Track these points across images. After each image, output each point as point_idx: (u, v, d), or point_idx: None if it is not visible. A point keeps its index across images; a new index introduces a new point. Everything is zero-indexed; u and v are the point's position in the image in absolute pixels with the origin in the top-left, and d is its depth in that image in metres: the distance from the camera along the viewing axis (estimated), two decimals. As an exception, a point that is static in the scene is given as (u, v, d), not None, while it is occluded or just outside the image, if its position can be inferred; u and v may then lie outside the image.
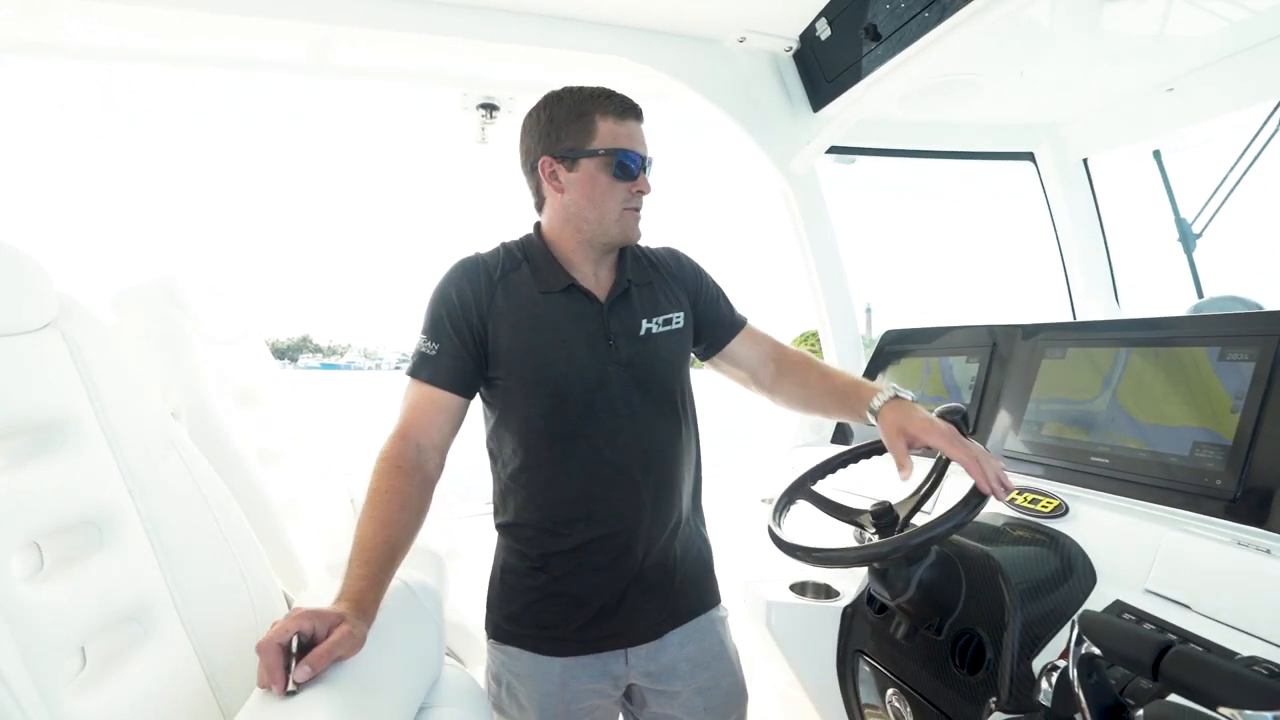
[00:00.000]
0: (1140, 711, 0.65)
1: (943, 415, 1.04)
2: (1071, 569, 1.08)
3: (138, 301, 1.47)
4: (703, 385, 1.29)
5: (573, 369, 1.01)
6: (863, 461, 1.23)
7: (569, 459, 1.02)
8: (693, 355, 1.18)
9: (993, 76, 1.84)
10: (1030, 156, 2.32)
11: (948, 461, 1.10)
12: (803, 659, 1.39)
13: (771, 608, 1.38)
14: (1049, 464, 1.40)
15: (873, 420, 1.04)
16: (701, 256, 1.25)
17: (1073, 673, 0.70)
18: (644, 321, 1.07)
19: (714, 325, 1.18)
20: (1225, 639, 0.85)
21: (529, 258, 1.07)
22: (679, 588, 1.09)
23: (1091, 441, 1.34)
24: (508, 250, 1.09)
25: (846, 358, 2.10)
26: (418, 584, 1.17)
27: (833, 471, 1.22)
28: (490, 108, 2.17)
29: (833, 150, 2.11)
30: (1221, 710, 0.56)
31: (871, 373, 1.96)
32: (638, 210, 1.05)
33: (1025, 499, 1.28)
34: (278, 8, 1.67)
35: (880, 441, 1.19)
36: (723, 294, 1.21)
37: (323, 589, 1.09)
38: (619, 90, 1.06)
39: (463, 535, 2.06)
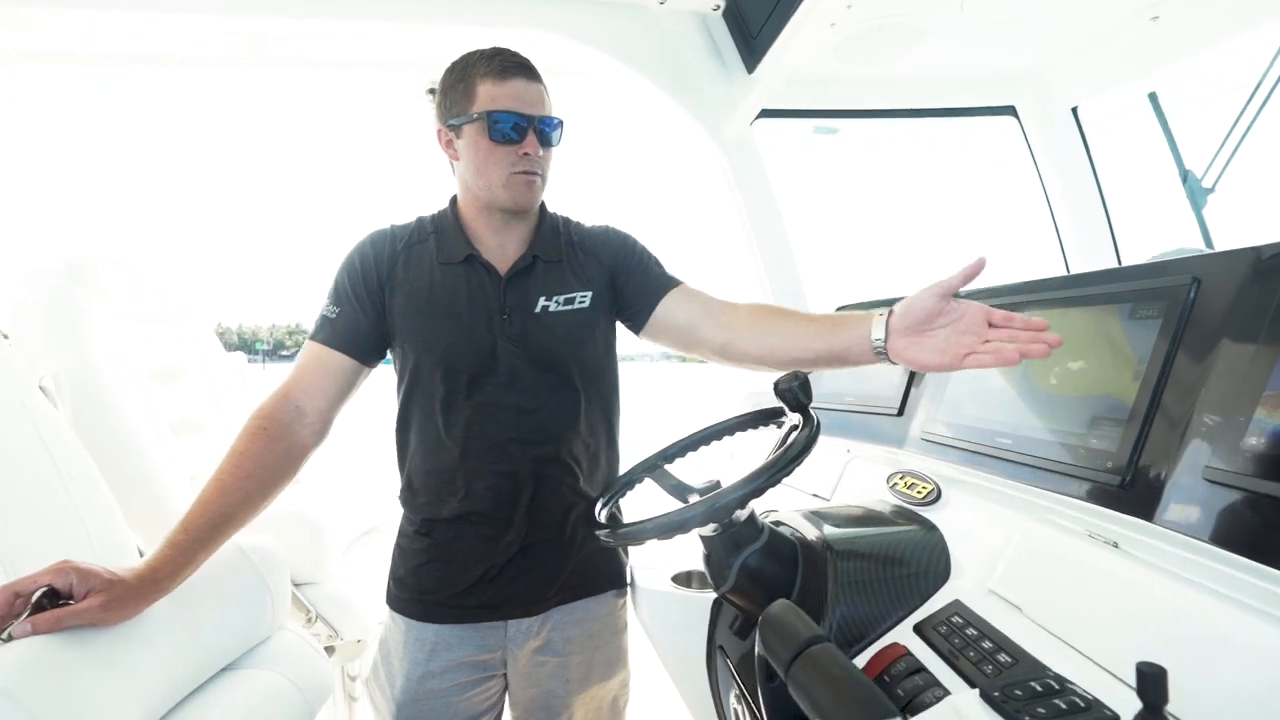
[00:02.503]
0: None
1: (783, 381, 0.95)
2: (921, 563, 0.93)
3: (40, 279, 1.56)
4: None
5: (462, 341, 1.01)
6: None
7: (453, 429, 1.02)
8: (628, 331, 1.16)
9: (936, 19, 1.65)
10: (1012, 110, 2.08)
11: (792, 431, 0.99)
12: (675, 652, 1.28)
13: (642, 595, 1.29)
14: (962, 447, 1.23)
15: (883, 345, 0.90)
16: (647, 236, 1.20)
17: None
18: (541, 298, 1.05)
19: (642, 292, 1.12)
20: (1048, 653, 0.70)
21: (438, 229, 1.08)
22: (574, 567, 1.08)
23: (1001, 419, 1.17)
24: (420, 222, 1.10)
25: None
26: (255, 549, 1.20)
27: (681, 455, 1.12)
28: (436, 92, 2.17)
29: (771, 114, 1.96)
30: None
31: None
32: (529, 174, 1.00)
33: (905, 483, 1.13)
34: (210, 4, 1.71)
35: (739, 418, 1.13)
36: (654, 259, 1.16)
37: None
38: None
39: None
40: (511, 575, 1.04)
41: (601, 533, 0.93)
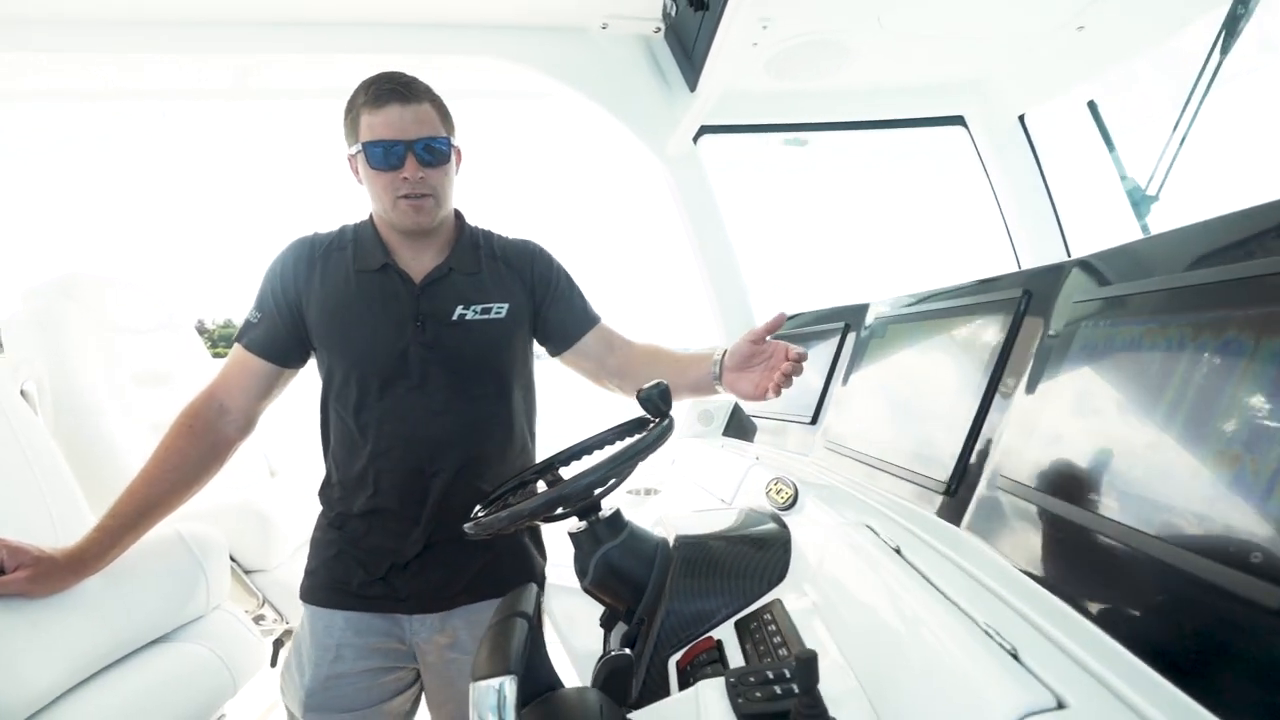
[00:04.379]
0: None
1: (643, 390, 1.01)
2: (759, 566, 0.97)
3: (35, 294, 1.74)
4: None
5: (375, 347, 1.05)
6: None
7: (366, 429, 1.07)
8: (542, 350, 1.23)
9: (858, 35, 1.68)
10: (960, 120, 2.08)
11: (628, 430, 1.09)
12: (580, 647, 1.34)
13: (551, 591, 1.35)
14: (849, 455, 1.27)
15: (717, 375, 1.11)
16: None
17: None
18: (459, 307, 1.08)
19: (563, 325, 1.19)
20: (817, 647, 0.74)
21: (357, 238, 1.11)
22: (483, 567, 1.10)
23: (886, 427, 1.20)
24: (343, 230, 1.14)
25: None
26: (193, 535, 1.34)
27: (565, 463, 1.18)
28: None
29: (713, 130, 2.02)
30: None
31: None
32: (414, 198, 1.02)
33: (775, 488, 1.17)
34: (197, 45, 1.87)
35: (617, 428, 1.17)
36: (577, 292, 1.22)
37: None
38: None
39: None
40: (415, 571, 1.07)
41: (467, 525, 1.01)
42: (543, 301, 1.17)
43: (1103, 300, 0.76)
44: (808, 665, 0.54)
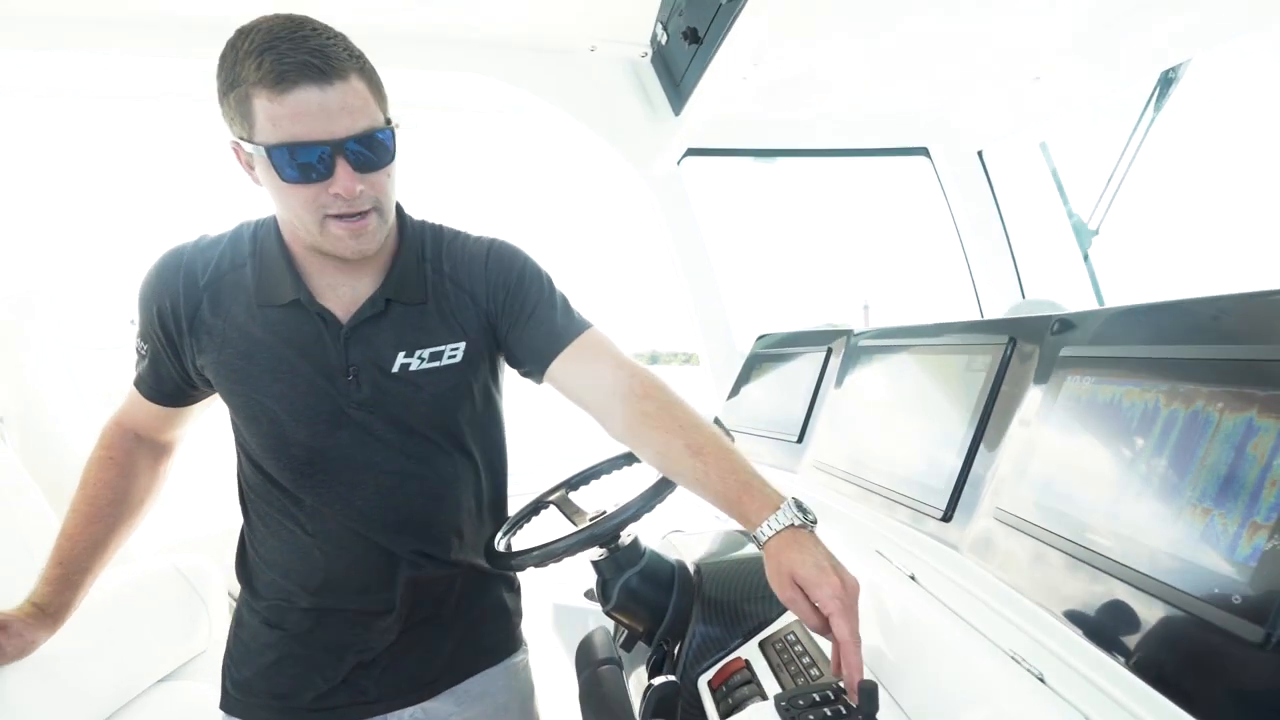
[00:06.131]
0: None
1: None
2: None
3: None
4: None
5: (296, 409, 0.81)
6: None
7: (299, 511, 0.85)
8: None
9: (839, 73, 1.79)
10: (924, 151, 2.23)
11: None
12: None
13: (557, 611, 1.41)
14: (840, 476, 1.36)
15: (760, 549, 0.76)
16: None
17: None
18: (399, 355, 0.83)
19: (532, 343, 0.89)
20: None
21: (258, 254, 0.83)
22: (460, 640, 0.93)
23: (879, 453, 1.30)
24: (236, 240, 0.85)
25: (718, 359, 2.08)
26: (190, 567, 1.31)
27: (574, 488, 1.23)
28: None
29: (697, 153, 2.09)
30: None
31: (745, 376, 1.94)
32: (352, 220, 0.74)
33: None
34: (180, 48, 1.78)
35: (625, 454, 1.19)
36: (550, 300, 0.90)
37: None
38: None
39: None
40: (385, 665, 0.88)
41: (495, 560, 1.03)
42: (500, 324, 0.89)
43: (1086, 358, 0.87)
44: (870, 694, 0.62)
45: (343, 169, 0.71)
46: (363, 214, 0.75)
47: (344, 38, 0.72)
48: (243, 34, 0.69)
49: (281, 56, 0.66)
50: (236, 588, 1.75)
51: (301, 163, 0.70)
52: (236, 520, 0.93)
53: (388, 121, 0.75)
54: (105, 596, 0.97)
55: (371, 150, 0.72)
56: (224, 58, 0.71)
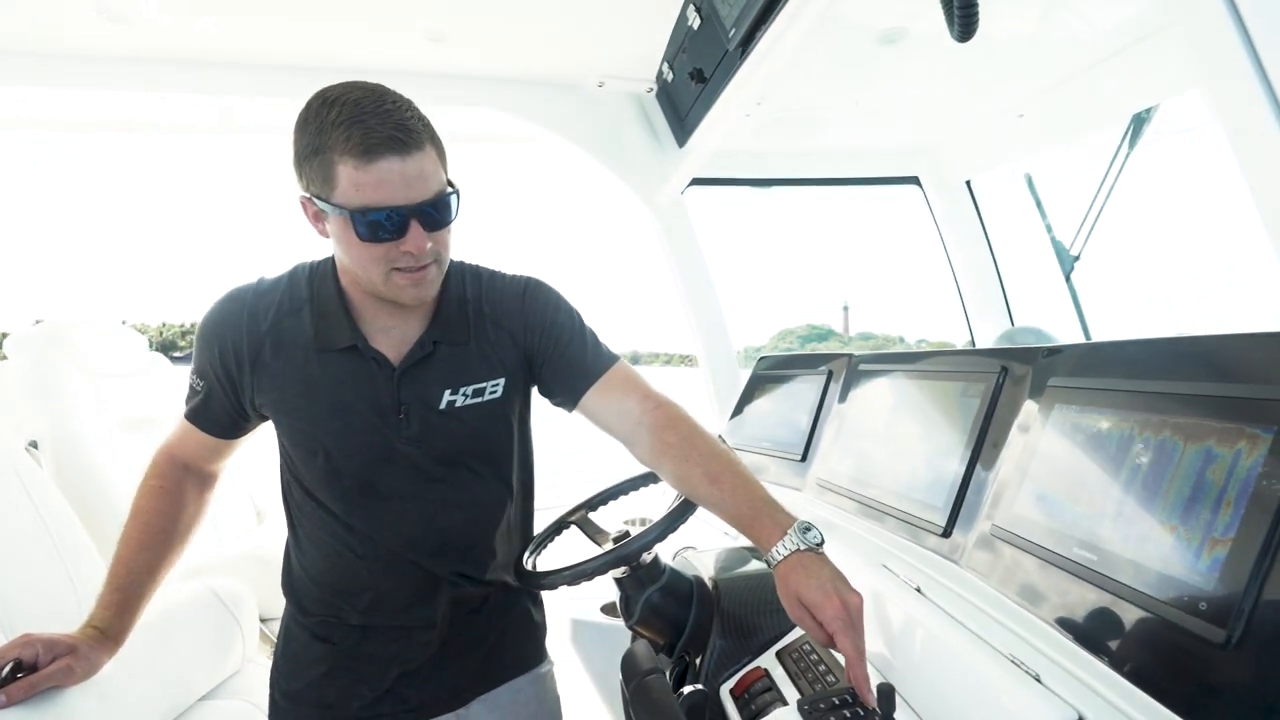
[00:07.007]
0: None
1: None
2: (788, 600, 1.13)
3: (22, 345, 1.70)
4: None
5: (350, 445, 0.89)
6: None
7: (350, 537, 0.93)
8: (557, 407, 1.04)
9: (836, 110, 1.90)
10: (916, 180, 2.35)
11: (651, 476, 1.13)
12: (605, 678, 1.46)
13: (575, 626, 1.47)
14: (842, 493, 1.44)
15: (772, 570, 0.84)
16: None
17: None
18: (446, 393, 0.91)
19: (566, 377, 0.97)
20: (876, 678, 0.90)
21: (316, 300, 0.90)
22: (491, 651, 1.02)
23: (880, 472, 1.38)
24: (293, 283, 0.92)
25: (721, 378, 2.16)
26: (225, 590, 1.36)
27: (593, 508, 1.30)
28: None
29: (700, 183, 2.19)
30: None
31: (748, 396, 2.02)
32: (415, 272, 0.82)
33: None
34: (182, 83, 1.86)
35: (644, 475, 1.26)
36: (581, 336, 0.99)
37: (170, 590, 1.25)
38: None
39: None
40: (426, 674, 0.97)
41: (529, 580, 1.04)
42: (535, 358, 0.98)
43: (1071, 388, 0.96)
44: (888, 696, 0.69)
45: (415, 229, 0.79)
46: (424, 267, 0.83)
47: (414, 106, 0.80)
48: (328, 104, 0.77)
49: (369, 131, 0.74)
50: (265, 609, 1.80)
51: (379, 224, 0.77)
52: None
53: (450, 184, 0.83)
54: (149, 619, 0.99)
55: (439, 211, 0.81)
56: (306, 123, 0.78)
